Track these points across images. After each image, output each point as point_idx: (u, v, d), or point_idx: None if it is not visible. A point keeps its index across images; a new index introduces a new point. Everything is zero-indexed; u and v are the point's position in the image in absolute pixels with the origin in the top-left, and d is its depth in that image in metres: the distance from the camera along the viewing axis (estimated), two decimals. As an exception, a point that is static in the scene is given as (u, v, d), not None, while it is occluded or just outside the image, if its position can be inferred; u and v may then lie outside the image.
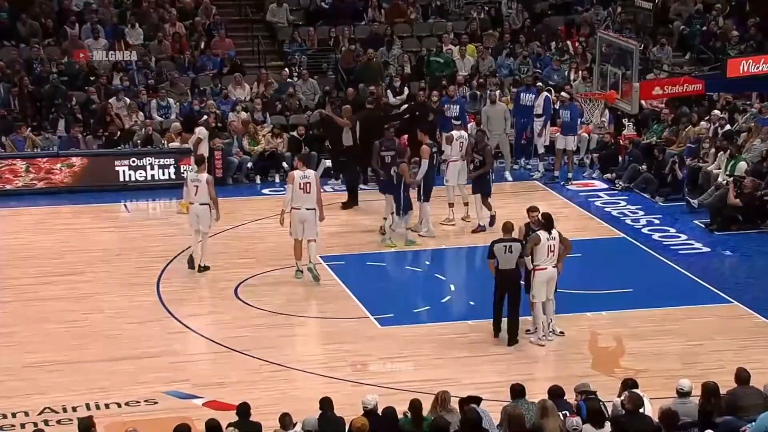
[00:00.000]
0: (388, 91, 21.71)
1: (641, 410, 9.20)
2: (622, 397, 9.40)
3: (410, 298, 14.46)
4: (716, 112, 19.73)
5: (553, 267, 12.68)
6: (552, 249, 12.65)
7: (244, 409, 9.42)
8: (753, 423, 9.06)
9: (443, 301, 14.35)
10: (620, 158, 19.71)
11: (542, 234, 12.63)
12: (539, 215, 12.97)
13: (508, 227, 12.95)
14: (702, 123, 19.49)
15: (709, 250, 16.41)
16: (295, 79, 21.96)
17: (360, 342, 13.04)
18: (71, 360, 12.50)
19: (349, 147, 18.23)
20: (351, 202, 18.03)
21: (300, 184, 14.75)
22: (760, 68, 14.71)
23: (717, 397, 9.48)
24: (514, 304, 12.81)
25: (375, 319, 13.70)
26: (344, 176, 18.72)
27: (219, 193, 18.96)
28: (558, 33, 24.13)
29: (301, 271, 14.92)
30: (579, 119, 19.33)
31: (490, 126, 18.98)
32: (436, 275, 15.18)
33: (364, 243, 16.34)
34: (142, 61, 21.87)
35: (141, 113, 20.60)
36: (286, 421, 9.35)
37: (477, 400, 9.43)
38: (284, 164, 19.62)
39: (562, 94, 19.52)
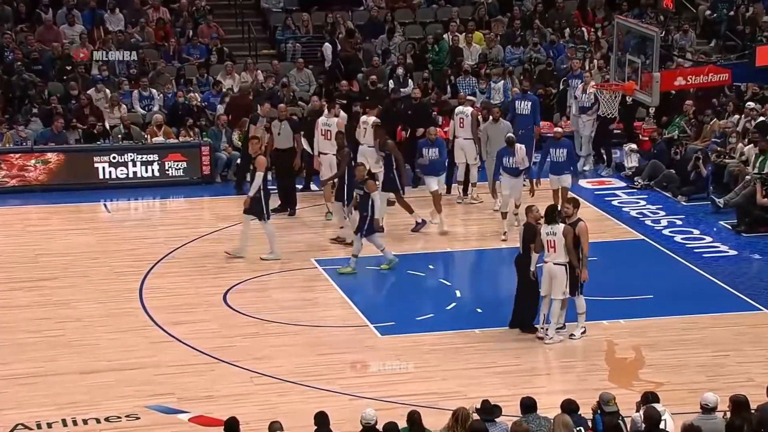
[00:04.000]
0: (390, 81, 21.72)
1: (660, 426, 9.19)
2: (641, 413, 9.40)
3: (413, 304, 14.45)
4: (750, 103, 19.73)
5: (556, 264, 12.81)
6: (552, 244, 12.80)
7: (231, 425, 9.41)
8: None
9: (448, 308, 14.36)
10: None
11: (543, 227, 12.90)
12: (572, 207, 13.29)
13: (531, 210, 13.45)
14: (735, 116, 19.48)
15: (736, 253, 16.41)
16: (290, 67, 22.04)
17: (359, 352, 13.04)
18: (46, 372, 12.48)
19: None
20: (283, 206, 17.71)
21: (322, 130, 16.97)
22: (792, 56, 14.64)
23: (747, 411, 9.46)
24: (518, 289, 13.30)
25: (375, 327, 13.70)
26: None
27: (206, 192, 19.20)
28: (572, 19, 24.15)
29: (331, 213, 16.90)
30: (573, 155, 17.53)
31: (489, 147, 17.44)
32: (441, 280, 15.18)
33: (363, 245, 16.33)
34: (125, 48, 21.88)
35: (123, 106, 20.59)
36: (274, 426, 9.40)
37: (493, 410, 9.44)
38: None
39: (557, 129, 17.70)
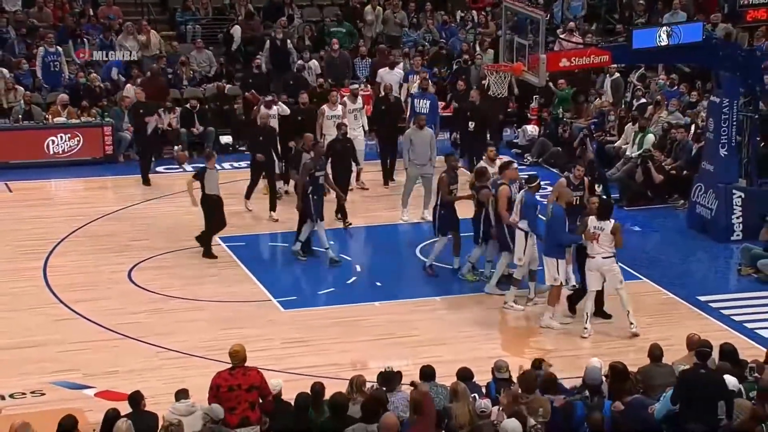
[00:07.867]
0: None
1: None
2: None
3: (314, 279, 14.45)
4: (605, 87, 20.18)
5: (605, 258, 12.49)
6: (597, 238, 12.50)
7: (135, 398, 9.28)
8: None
9: (349, 282, 14.39)
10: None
11: (591, 220, 12.60)
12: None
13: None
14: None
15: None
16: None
17: (262, 326, 12.98)
18: (-52, 351, 12.14)
19: None
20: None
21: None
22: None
23: (626, 377, 9.71)
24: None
25: (278, 302, 13.66)
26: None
27: (109, 171, 18.85)
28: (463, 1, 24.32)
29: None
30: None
31: (413, 155, 16.07)
32: (342, 255, 15.18)
33: (265, 223, 16.25)
34: (25, 28, 21.26)
35: (21, 87, 19.97)
36: (180, 396, 9.34)
37: (394, 376, 9.49)
38: (177, 145, 19.41)
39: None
